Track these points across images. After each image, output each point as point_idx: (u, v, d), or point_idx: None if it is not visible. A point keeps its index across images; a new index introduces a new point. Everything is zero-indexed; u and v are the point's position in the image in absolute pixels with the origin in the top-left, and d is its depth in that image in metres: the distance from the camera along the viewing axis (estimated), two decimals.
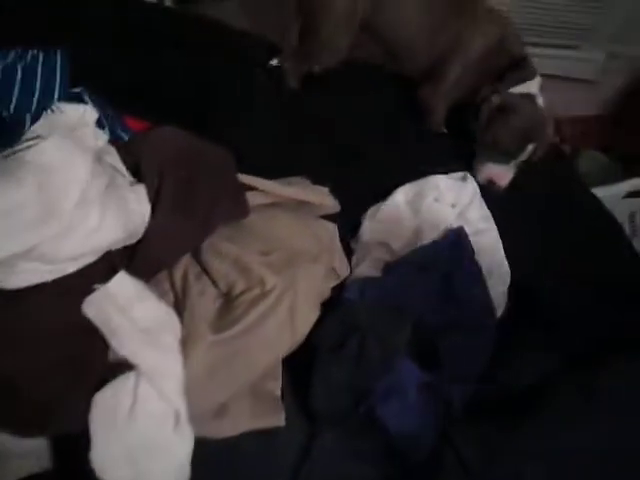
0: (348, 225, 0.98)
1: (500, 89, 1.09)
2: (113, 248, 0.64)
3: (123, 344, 0.59)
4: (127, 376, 0.59)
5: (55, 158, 0.60)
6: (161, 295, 0.66)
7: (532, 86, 1.11)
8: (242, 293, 0.69)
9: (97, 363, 0.60)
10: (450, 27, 1.13)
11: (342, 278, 0.89)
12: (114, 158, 0.69)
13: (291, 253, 0.77)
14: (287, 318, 0.69)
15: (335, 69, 1.16)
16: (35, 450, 0.63)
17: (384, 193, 1.02)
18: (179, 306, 0.67)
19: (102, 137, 0.67)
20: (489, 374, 0.82)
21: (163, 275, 0.70)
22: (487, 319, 0.89)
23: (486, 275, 0.92)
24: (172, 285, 0.70)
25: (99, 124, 0.71)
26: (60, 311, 0.60)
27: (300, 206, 0.91)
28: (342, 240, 0.93)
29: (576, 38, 1.97)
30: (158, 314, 0.62)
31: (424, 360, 0.80)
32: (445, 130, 1.20)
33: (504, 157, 1.09)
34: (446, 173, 1.06)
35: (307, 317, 0.73)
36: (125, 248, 0.66)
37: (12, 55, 0.80)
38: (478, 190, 1.07)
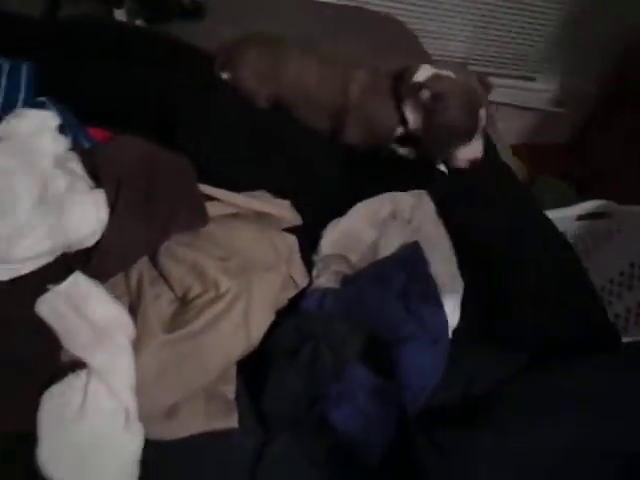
0: (309, 238, 1.00)
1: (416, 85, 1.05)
2: (69, 250, 0.66)
3: (75, 343, 0.60)
4: (77, 374, 0.59)
5: (11, 161, 0.62)
6: (117, 298, 0.67)
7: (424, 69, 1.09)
8: (197, 297, 0.71)
9: (46, 362, 0.60)
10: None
11: (300, 288, 0.92)
12: (75, 164, 0.71)
13: (248, 260, 0.79)
14: (241, 322, 0.71)
15: None
16: None
17: (344, 209, 1.06)
18: (134, 309, 0.68)
19: (63, 143, 0.69)
20: (446, 378, 0.84)
21: (119, 278, 0.71)
22: (441, 334, 0.91)
23: (440, 288, 0.96)
24: (128, 288, 0.71)
25: (62, 131, 0.72)
26: (12, 310, 0.61)
27: (261, 218, 0.94)
28: (303, 252, 0.96)
29: (532, 70, 2.09)
30: (112, 314, 0.63)
31: (380, 370, 0.82)
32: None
33: (462, 138, 1.07)
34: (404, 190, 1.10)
35: (261, 322, 0.75)
36: (81, 250, 0.67)
37: None
38: (433, 207, 1.11)
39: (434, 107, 1.06)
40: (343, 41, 1.26)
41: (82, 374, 0.60)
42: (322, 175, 1.07)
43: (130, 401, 0.60)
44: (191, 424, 0.68)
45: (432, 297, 0.95)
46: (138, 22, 1.41)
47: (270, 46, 1.21)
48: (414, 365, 0.83)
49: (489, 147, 1.20)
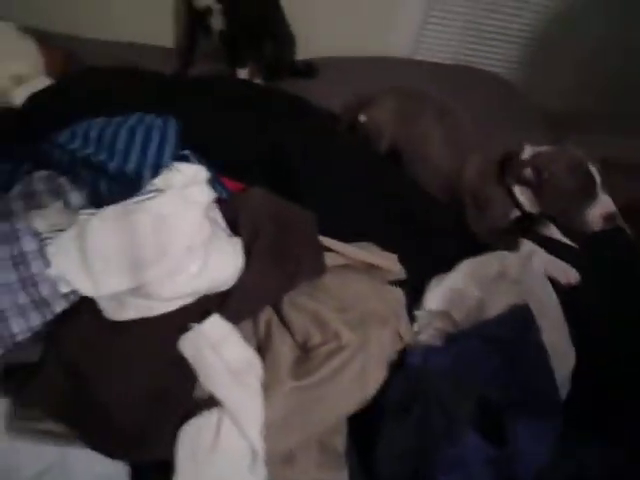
0: (412, 293, 1.01)
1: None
2: (209, 292, 0.71)
3: (212, 381, 0.64)
4: (211, 412, 0.63)
5: (171, 209, 0.69)
6: (245, 339, 0.71)
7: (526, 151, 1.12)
8: (318, 346, 0.73)
9: (185, 397, 0.65)
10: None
11: (406, 343, 0.92)
12: (216, 213, 0.78)
13: (364, 313, 0.81)
14: (359, 375, 0.72)
15: None
16: (112, 475, 0.67)
17: (449, 264, 1.06)
18: (261, 351, 0.72)
19: (210, 194, 0.75)
20: (553, 460, 0.81)
21: (248, 321, 0.75)
22: (553, 403, 0.88)
23: (550, 355, 0.93)
24: (256, 331, 0.75)
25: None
26: (157, 344, 0.67)
27: (369, 270, 0.96)
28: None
29: None
30: (245, 356, 0.67)
31: (488, 435, 0.80)
32: None
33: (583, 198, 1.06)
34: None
35: (377, 376, 0.76)
36: (217, 293, 0.73)
37: (134, 118, 0.93)
38: (542, 268, 1.09)
39: (540, 179, 1.08)
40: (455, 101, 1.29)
41: (215, 412, 0.63)
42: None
43: (258, 443, 0.62)
44: (305, 473, 0.69)
45: (543, 367, 0.92)
46: (257, 81, 1.54)
47: (411, 97, 1.29)
48: (528, 435, 0.80)
49: None
